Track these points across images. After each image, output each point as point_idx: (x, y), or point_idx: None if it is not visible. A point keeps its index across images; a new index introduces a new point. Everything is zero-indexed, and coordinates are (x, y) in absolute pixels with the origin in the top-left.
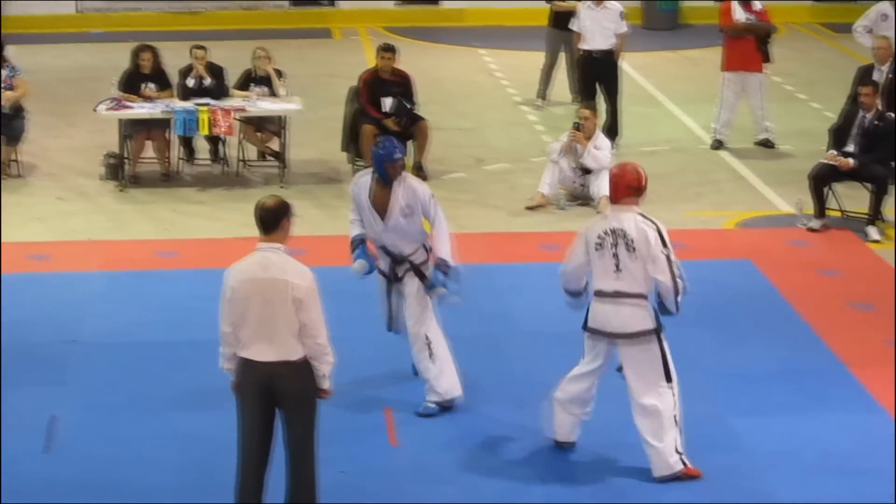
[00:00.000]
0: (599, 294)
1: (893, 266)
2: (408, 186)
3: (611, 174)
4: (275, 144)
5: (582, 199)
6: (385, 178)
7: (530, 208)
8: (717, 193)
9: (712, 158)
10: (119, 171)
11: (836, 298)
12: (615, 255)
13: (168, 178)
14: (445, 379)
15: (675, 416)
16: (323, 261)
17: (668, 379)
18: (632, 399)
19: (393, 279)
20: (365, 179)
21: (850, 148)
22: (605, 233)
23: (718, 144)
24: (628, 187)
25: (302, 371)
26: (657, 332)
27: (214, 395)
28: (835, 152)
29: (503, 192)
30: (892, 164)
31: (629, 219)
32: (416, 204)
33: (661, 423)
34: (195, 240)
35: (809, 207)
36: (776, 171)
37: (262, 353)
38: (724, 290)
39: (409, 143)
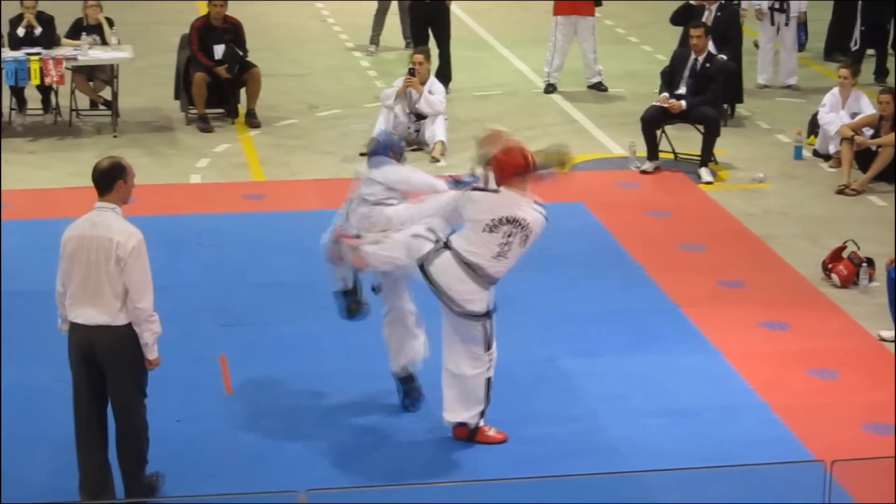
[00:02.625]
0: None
1: (725, 207)
2: None
3: (495, 158)
4: (106, 93)
5: (416, 144)
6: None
7: (364, 154)
8: (549, 137)
9: (544, 102)
10: None
11: (667, 239)
12: (505, 244)
13: None
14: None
15: (487, 380)
16: (154, 210)
17: (487, 347)
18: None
19: None
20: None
21: (682, 90)
22: (501, 220)
23: (550, 88)
24: (516, 171)
25: (125, 337)
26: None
27: (43, 345)
28: (666, 95)
29: (335, 137)
30: (723, 105)
31: (527, 210)
32: None
33: (468, 388)
34: (25, 190)
35: (642, 150)
36: (608, 114)
37: (86, 315)
38: (556, 232)
39: (241, 91)
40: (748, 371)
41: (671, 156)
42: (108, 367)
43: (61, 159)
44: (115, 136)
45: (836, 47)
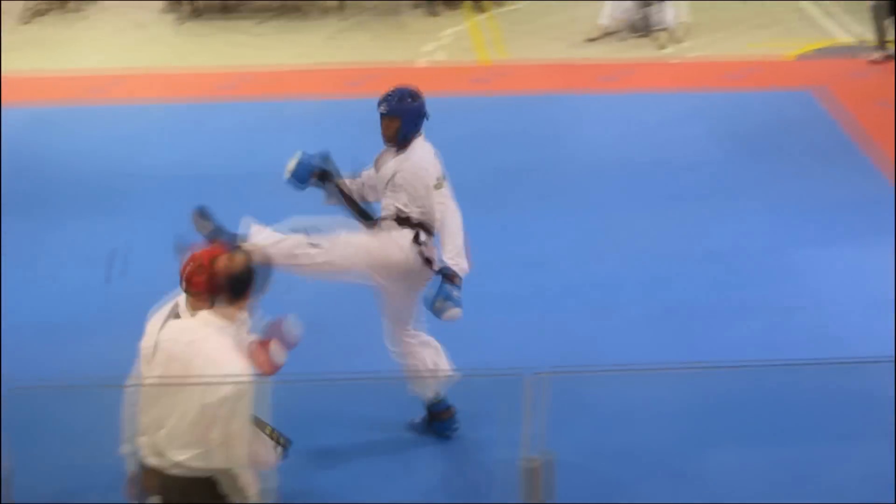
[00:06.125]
0: None
1: None
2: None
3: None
4: None
5: (642, 30)
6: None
7: (591, 40)
8: (777, 25)
9: None
10: (178, 4)
11: None
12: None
13: (226, 11)
14: None
15: None
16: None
17: None
18: None
19: None
20: None
21: None
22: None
23: None
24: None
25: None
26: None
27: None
28: None
29: (562, 23)
30: None
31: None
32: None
33: None
34: (252, 72)
35: (871, 39)
36: (839, 2)
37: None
38: (782, 120)
39: None
40: None
41: None
42: None
43: (288, 42)
44: (342, 21)
45: None
